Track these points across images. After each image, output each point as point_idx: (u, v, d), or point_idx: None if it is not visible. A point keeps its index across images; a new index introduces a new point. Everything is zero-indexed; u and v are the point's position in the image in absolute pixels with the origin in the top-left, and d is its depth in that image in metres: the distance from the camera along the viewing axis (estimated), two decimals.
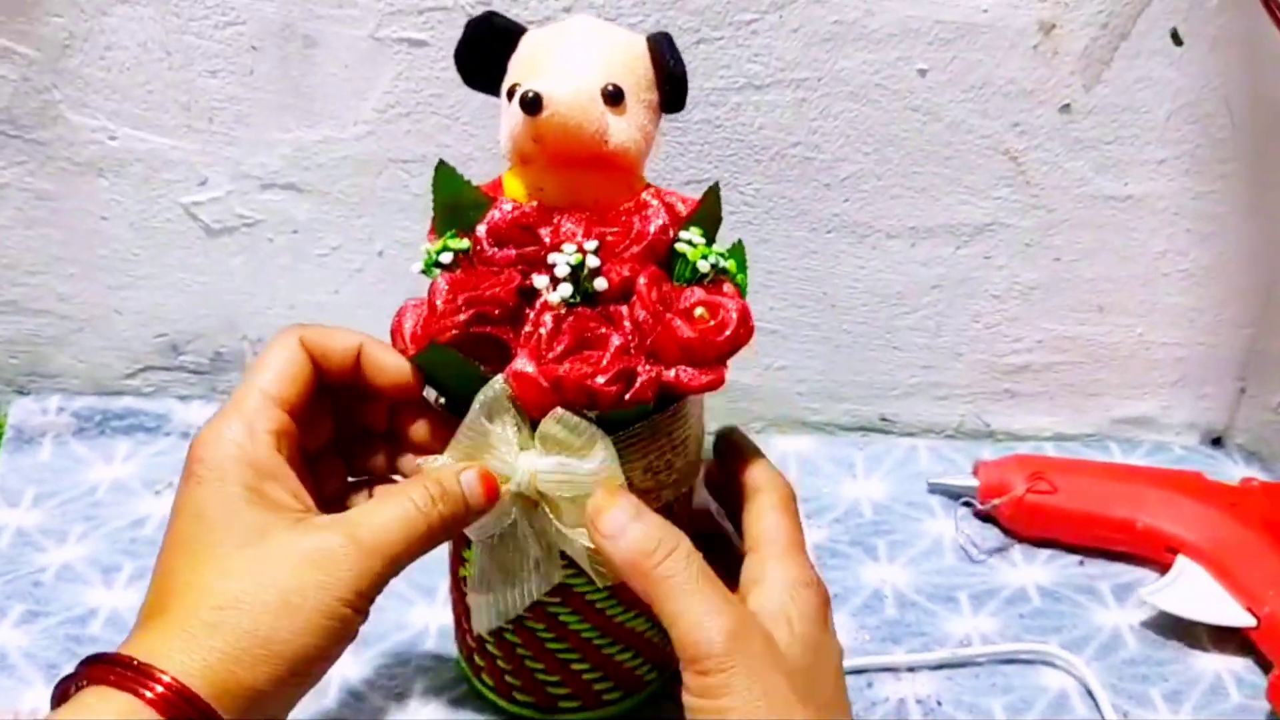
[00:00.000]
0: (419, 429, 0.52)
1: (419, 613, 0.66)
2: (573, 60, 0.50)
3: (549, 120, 0.49)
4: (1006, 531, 0.72)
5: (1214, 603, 0.64)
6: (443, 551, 0.58)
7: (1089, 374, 0.78)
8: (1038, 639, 0.65)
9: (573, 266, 0.49)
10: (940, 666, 0.63)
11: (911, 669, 0.63)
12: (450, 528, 0.47)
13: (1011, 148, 0.70)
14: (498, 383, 0.48)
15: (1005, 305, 0.75)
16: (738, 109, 0.69)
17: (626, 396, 0.48)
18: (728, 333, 0.49)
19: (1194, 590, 0.65)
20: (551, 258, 0.49)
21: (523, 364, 0.48)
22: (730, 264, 0.52)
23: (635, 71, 0.51)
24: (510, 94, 0.51)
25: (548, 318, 0.49)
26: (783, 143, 0.70)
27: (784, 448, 0.78)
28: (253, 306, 0.77)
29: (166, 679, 0.39)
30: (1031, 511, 0.70)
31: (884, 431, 0.80)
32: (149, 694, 0.39)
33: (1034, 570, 0.70)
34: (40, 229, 0.74)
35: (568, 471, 0.48)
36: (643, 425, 0.50)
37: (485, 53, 0.53)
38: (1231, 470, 0.77)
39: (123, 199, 0.73)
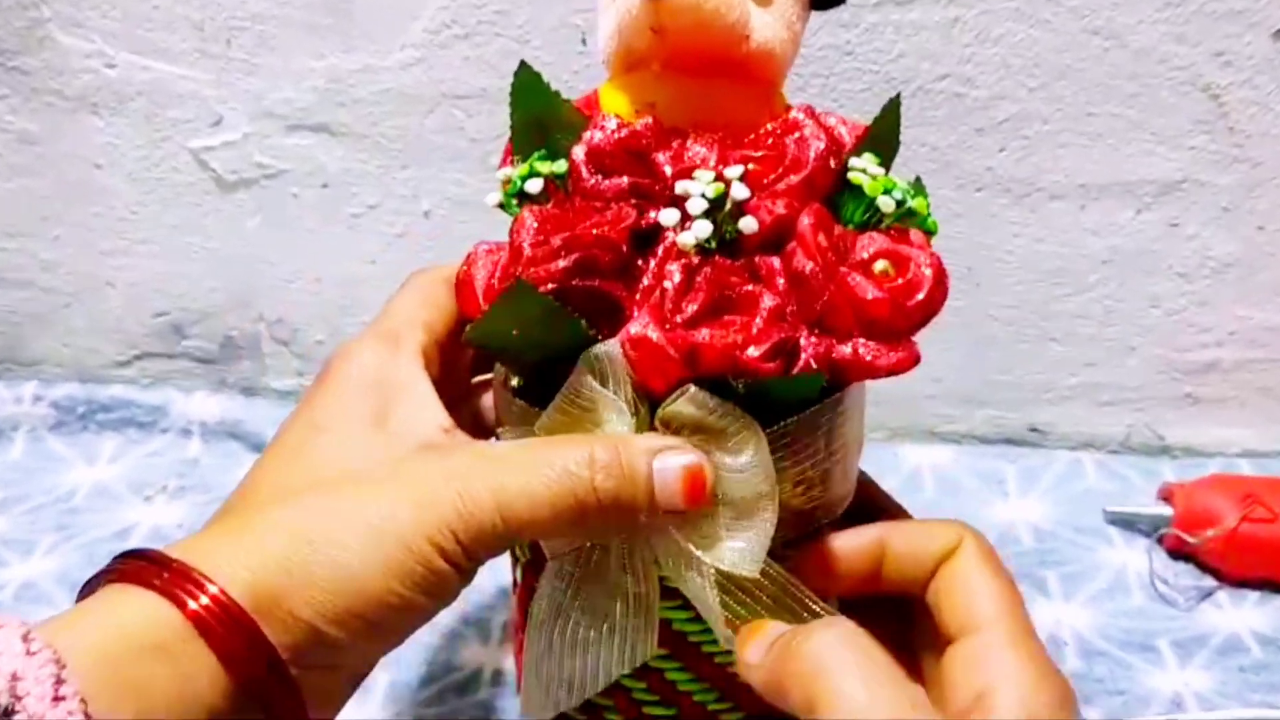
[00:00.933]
0: None
1: (471, 652, 0.52)
2: None
3: (678, 3, 0.36)
4: (1208, 570, 0.57)
5: None
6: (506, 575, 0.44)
7: None
8: (1265, 697, 0.50)
9: (711, 200, 0.36)
10: None
11: None
12: (611, 519, 0.34)
13: (1213, 83, 0.56)
14: (611, 347, 0.35)
15: (1193, 286, 0.61)
16: (873, 31, 0.56)
17: (786, 371, 0.34)
18: (920, 296, 0.36)
19: None
20: (681, 186, 0.36)
21: (643, 327, 0.35)
22: (918, 202, 0.38)
23: None
24: None
25: (675, 268, 0.35)
26: (927, 75, 0.57)
27: (914, 460, 0.64)
28: (271, 279, 0.64)
29: (210, 588, 0.31)
30: (1246, 545, 0.55)
31: (1034, 445, 0.66)
32: (184, 598, 0.31)
33: (1246, 614, 0.55)
34: (21, 180, 0.62)
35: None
36: (798, 420, 0.36)
37: None
38: None
39: (120, 142, 0.61)
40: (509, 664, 0.51)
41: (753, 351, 0.34)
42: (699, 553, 0.35)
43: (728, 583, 0.36)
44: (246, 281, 0.64)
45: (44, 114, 0.61)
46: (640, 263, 0.37)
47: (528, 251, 0.36)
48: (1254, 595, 0.56)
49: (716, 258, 0.36)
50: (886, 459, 0.63)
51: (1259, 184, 0.59)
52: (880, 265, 0.37)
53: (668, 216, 0.36)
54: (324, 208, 0.62)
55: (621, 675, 0.38)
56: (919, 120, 0.58)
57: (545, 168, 0.38)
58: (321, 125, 0.60)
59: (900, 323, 0.36)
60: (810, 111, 0.40)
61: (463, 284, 0.38)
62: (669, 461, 0.34)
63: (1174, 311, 0.62)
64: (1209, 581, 0.57)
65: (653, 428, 0.36)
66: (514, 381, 0.38)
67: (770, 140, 0.39)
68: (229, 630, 0.30)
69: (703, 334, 0.35)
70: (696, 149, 0.39)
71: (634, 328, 0.35)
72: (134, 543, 0.57)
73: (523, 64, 0.40)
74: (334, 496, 0.34)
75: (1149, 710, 0.49)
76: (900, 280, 0.36)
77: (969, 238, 0.61)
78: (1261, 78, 0.56)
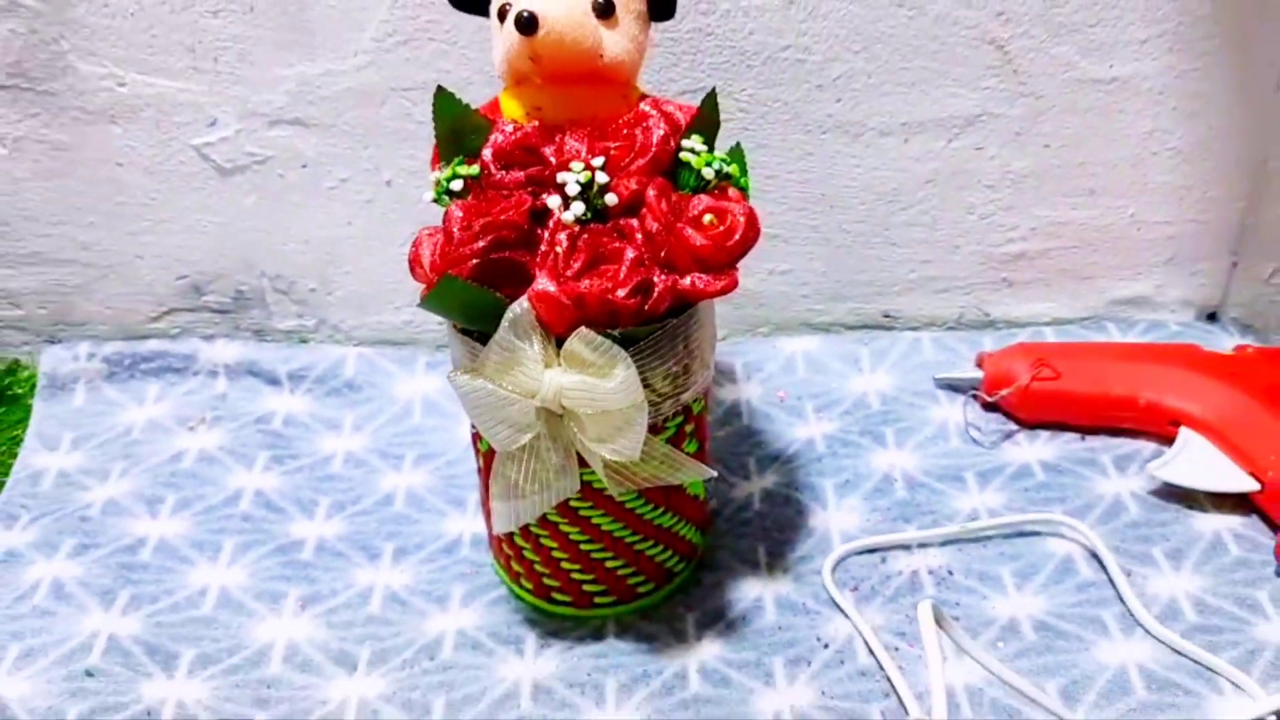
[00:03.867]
0: None
1: (452, 523, 0.69)
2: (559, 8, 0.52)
3: (545, 39, 0.52)
4: (1011, 418, 0.74)
5: (1219, 472, 0.66)
6: (474, 463, 0.61)
7: (1083, 258, 0.80)
8: (1042, 509, 0.68)
9: (582, 184, 0.51)
10: (950, 542, 0.66)
11: (923, 545, 0.66)
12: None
13: (997, 36, 0.71)
14: (522, 304, 0.50)
15: (998, 195, 0.77)
16: (727, 15, 0.71)
17: (645, 307, 0.51)
18: (737, 237, 0.52)
19: (1199, 461, 0.67)
20: (561, 177, 0.52)
21: (544, 284, 0.50)
22: (733, 168, 0.54)
23: None
24: (502, 14, 0.53)
25: (562, 236, 0.51)
26: (773, 46, 0.72)
27: (791, 349, 0.80)
28: (269, 244, 0.79)
29: None
30: (1036, 398, 0.72)
31: (887, 328, 0.82)
32: None
33: (1038, 448, 0.72)
34: (58, 180, 0.77)
35: (590, 390, 0.51)
36: (660, 333, 0.53)
37: None
38: (1227, 344, 0.79)
39: (136, 144, 0.75)
40: (482, 527, 0.68)
41: (621, 293, 0.50)
42: (593, 447, 0.53)
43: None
44: (249, 246, 0.80)
45: (71, 127, 0.75)
46: (539, 232, 0.52)
47: (456, 234, 0.52)
48: (1045, 434, 0.73)
49: (593, 225, 0.52)
50: (767, 349, 0.80)
51: (1041, 112, 0.74)
52: (708, 218, 0.52)
53: (553, 201, 0.51)
54: (305, 184, 0.77)
55: (549, 512, 0.57)
56: (771, 82, 0.73)
57: (464, 170, 0.53)
58: (297, 119, 0.75)
59: (723, 258, 0.52)
60: (655, 103, 0.55)
61: (414, 262, 0.54)
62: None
63: (986, 216, 0.78)
64: (1011, 427, 0.74)
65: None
66: (459, 328, 0.55)
67: (625, 130, 0.54)
68: None
69: (585, 284, 0.50)
70: (572, 143, 0.54)
71: (538, 285, 0.51)
72: (187, 464, 0.73)
73: (439, 88, 0.54)
74: None
75: (951, 524, 0.67)
76: (722, 228, 0.52)
77: (821, 171, 0.76)
78: (1036, 29, 0.71)
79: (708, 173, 0.53)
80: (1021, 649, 0.59)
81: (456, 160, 0.54)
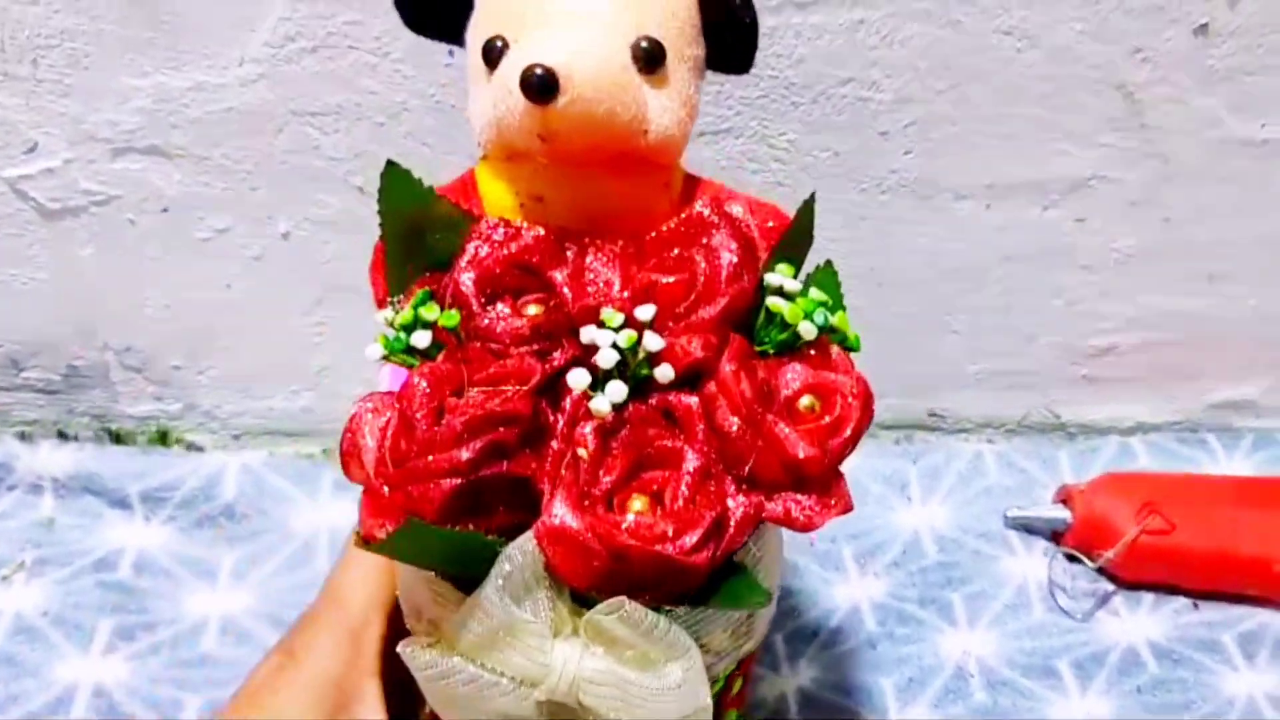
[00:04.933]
0: None
1: None
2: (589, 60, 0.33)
3: (568, 110, 0.32)
4: (1105, 574, 0.57)
5: None
6: None
7: (1185, 355, 0.63)
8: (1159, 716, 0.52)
9: (623, 351, 0.32)
10: None
11: None
12: None
13: (1128, 81, 0.53)
14: (525, 547, 0.31)
15: (1095, 277, 0.60)
16: (773, 34, 0.51)
17: (718, 554, 0.32)
18: (846, 433, 0.34)
19: None
20: (588, 335, 0.33)
21: (561, 514, 0.31)
22: (839, 318, 0.35)
23: (675, 12, 0.35)
24: (491, 56, 0.34)
25: (589, 431, 0.32)
26: (830, 80, 0.52)
27: None
28: (115, 308, 0.57)
29: None
30: (1143, 554, 0.56)
31: (933, 428, 0.65)
32: None
33: (1142, 622, 0.56)
34: None
35: (627, 687, 0.32)
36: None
37: None
38: None
39: None
40: None
41: (686, 541, 0.31)
42: None
43: None
44: (87, 311, 0.58)
45: None
46: (546, 414, 0.33)
47: (422, 427, 0.32)
48: (1149, 599, 0.57)
49: (633, 404, 0.33)
50: None
51: (1168, 178, 0.56)
52: (805, 401, 0.34)
53: (577, 379, 0.32)
54: (167, 233, 0.55)
55: None
56: (822, 126, 0.54)
57: (432, 315, 0.34)
58: (153, 147, 0.53)
59: (826, 464, 0.33)
60: (716, 202, 0.36)
61: (349, 456, 0.34)
62: None
63: (1075, 302, 0.60)
64: (1105, 586, 0.57)
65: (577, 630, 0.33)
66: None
67: (677, 250, 0.35)
68: None
69: (628, 520, 0.31)
70: (597, 267, 0.35)
71: (552, 516, 0.31)
72: None
73: (389, 164, 0.35)
74: None
75: None
76: (827, 418, 0.34)
77: (874, 240, 0.57)
78: (1178, 74, 0.53)
79: (806, 330, 0.34)
80: None
81: (421, 297, 0.34)
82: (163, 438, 0.61)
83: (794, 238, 0.36)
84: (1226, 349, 0.63)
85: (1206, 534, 0.56)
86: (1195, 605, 0.57)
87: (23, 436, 0.59)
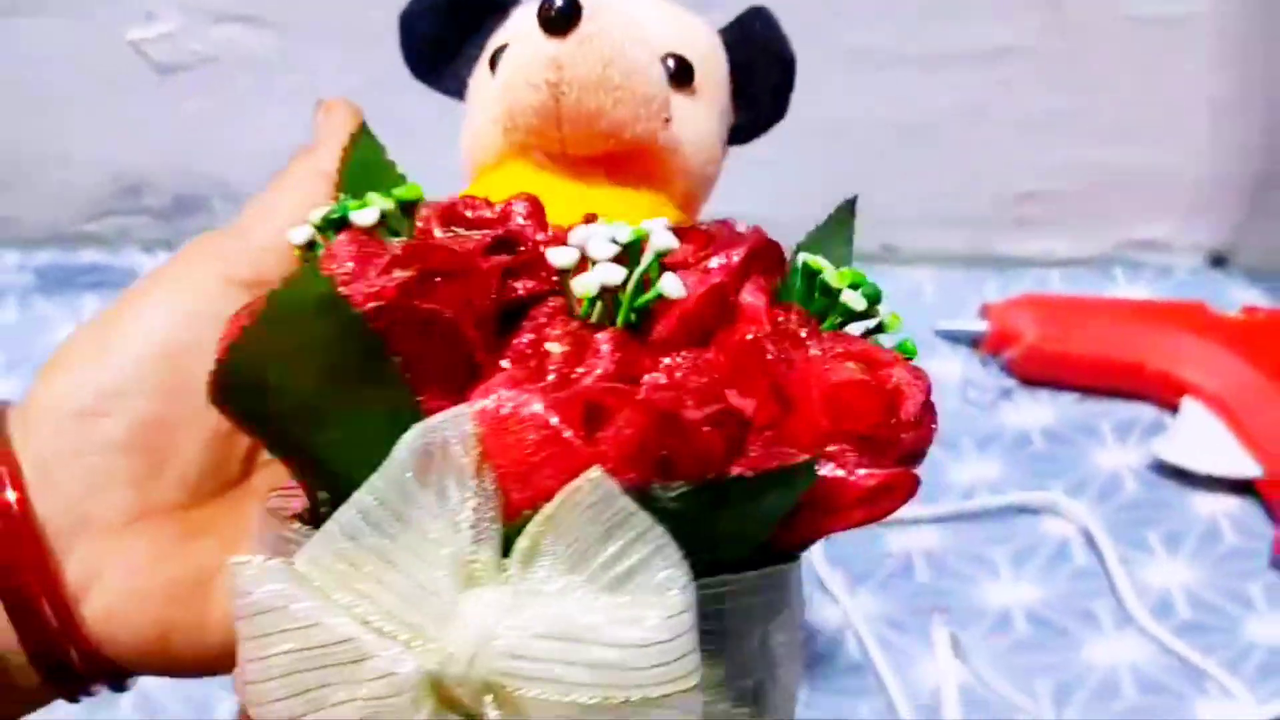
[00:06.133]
0: None
1: None
2: (616, 16, 0.30)
3: (585, 46, 0.29)
4: (1010, 373, 0.71)
5: (1221, 453, 0.64)
6: None
7: (1099, 199, 0.75)
8: (1039, 485, 0.65)
9: (624, 245, 0.26)
10: (945, 519, 0.64)
11: (917, 522, 0.64)
12: None
13: None
14: (464, 426, 0.22)
15: (1019, 133, 0.72)
16: None
17: (736, 447, 0.24)
18: (912, 407, 0.26)
19: (1201, 439, 0.65)
20: (578, 234, 0.26)
21: (511, 394, 0.23)
22: (893, 318, 0.29)
23: (706, 59, 0.33)
24: (494, 60, 0.32)
25: (558, 335, 0.25)
26: None
27: None
28: (217, 152, 0.71)
29: None
30: (1040, 358, 0.69)
31: (885, 260, 0.78)
32: None
33: (1037, 411, 0.70)
34: None
35: (578, 639, 0.21)
36: (756, 576, 0.25)
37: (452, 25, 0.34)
38: (1236, 294, 0.75)
39: (60, 36, 0.66)
40: None
41: (696, 414, 0.23)
42: None
43: None
44: (191, 153, 0.72)
45: None
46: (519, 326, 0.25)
47: (342, 269, 0.24)
48: (1044, 394, 0.70)
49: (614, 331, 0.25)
50: None
51: (1080, 50, 0.68)
52: (850, 367, 0.25)
53: (561, 255, 0.25)
54: (260, 88, 0.69)
55: None
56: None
57: (380, 202, 0.26)
58: (248, 16, 0.66)
59: (887, 432, 0.25)
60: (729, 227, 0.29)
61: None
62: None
63: (1003, 154, 0.73)
64: (1009, 383, 0.71)
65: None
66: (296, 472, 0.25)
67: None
68: None
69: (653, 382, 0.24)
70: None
71: (498, 393, 0.23)
72: None
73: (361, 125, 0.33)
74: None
75: (948, 499, 0.65)
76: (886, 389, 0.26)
77: (834, 101, 0.70)
78: None
79: (852, 299, 0.27)
80: (1015, 642, 0.58)
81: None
82: None
83: (829, 235, 0.32)
84: (1133, 196, 0.75)
85: (1092, 341, 0.69)
86: (1081, 399, 0.70)
87: (143, 247, 0.74)
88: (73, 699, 0.30)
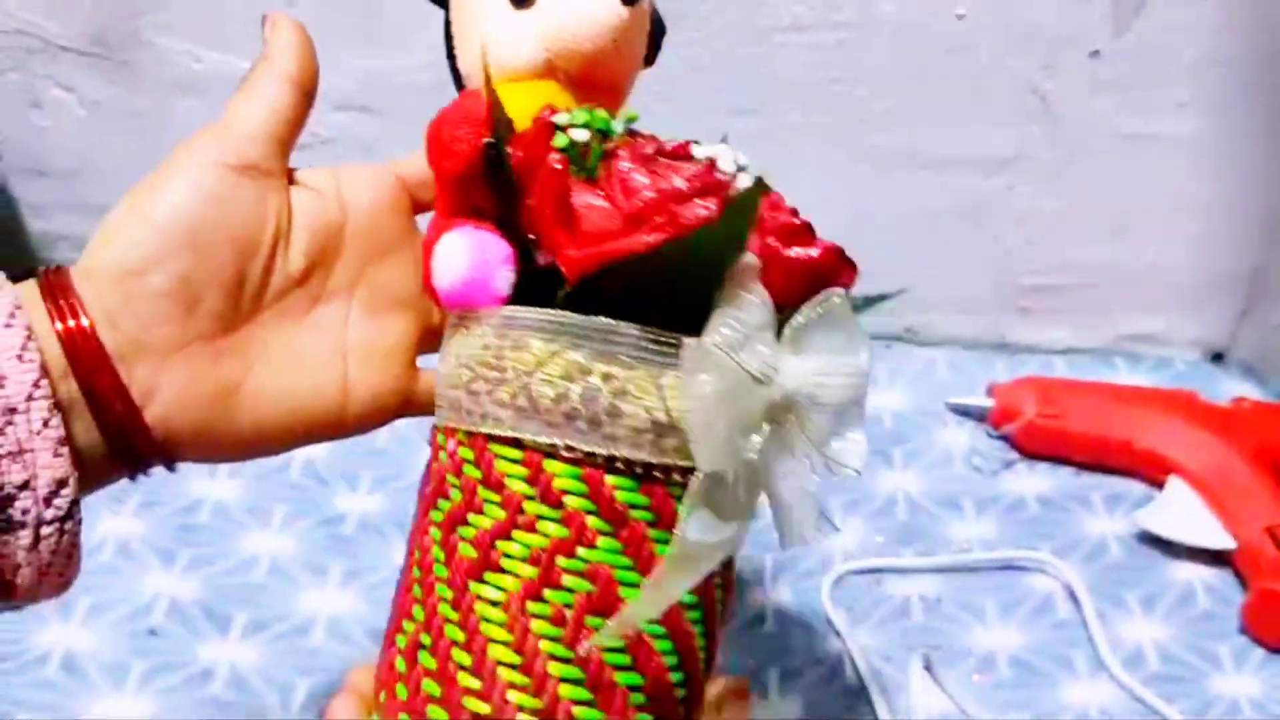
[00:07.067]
0: None
1: None
2: None
3: (639, 14, 0.40)
4: (1014, 447, 0.78)
5: (1200, 526, 0.71)
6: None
7: (1100, 294, 0.83)
8: (1031, 545, 0.73)
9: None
10: (943, 570, 0.71)
11: (917, 571, 0.71)
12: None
13: (1040, 87, 0.74)
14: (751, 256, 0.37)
15: (1026, 231, 0.80)
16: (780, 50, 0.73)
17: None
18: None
19: (1183, 513, 0.72)
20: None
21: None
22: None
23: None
24: None
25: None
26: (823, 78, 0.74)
27: None
28: None
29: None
30: (1040, 432, 0.77)
31: (907, 341, 0.86)
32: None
33: (1035, 480, 0.77)
34: (132, 141, 0.80)
35: (835, 375, 0.38)
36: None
37: None
38: (1229, 387, 0.82)
39: (208, 117, 0.78)
40: None
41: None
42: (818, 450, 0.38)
43: None
44: None
45: (146, 96, 0.78)
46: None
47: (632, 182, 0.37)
48: (1044, 466, 0.78)
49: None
50: None
51: (1077, 159, 0.77)
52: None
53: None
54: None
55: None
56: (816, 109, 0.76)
57: (601, 123, 0.38)
58: (362, 106, 0.78)
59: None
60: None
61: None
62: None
63: (1013, 249, 0.81)
64: (1013, 456, 0.78)
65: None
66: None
67: None
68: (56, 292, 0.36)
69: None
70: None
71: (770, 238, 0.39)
72: None
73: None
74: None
75: (945, 552, 0.72)
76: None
77: (858, 196, 0.79)
78: (1078, 84, 0.74)
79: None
80: (998, 681, 0.65)
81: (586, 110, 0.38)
82: None
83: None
84: (1133, 292, 0.83)
85: (1088, 420, 0.76)
86: (1078, 473, 0.77)
87: None
88: (133, 477, 0.39)
